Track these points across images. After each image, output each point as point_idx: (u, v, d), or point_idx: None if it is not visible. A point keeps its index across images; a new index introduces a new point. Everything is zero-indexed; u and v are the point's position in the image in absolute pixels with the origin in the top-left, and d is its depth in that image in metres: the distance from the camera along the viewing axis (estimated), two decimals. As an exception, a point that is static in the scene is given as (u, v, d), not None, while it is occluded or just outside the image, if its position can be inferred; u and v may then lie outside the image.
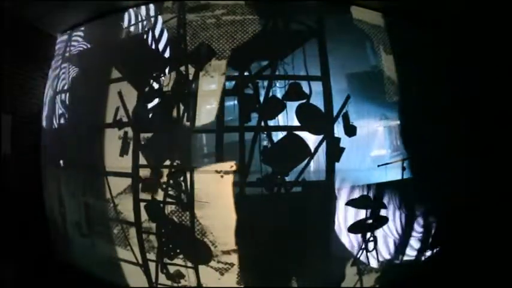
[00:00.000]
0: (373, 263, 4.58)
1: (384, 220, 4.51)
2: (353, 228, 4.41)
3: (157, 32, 4.56)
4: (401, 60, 4.72)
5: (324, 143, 4.20)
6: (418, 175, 4.64)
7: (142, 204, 4.42)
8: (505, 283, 4.40)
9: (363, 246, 4.50)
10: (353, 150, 4.27)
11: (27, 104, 5.49)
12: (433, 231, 4.95)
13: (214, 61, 4.27)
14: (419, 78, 4.78)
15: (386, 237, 4.64)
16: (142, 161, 4.41)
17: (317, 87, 4.24)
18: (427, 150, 4.70)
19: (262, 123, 4.19)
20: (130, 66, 4.67)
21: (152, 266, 4.50)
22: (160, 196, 4.35)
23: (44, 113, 5.67)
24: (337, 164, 4.19)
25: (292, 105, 4.18)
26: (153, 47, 4.58)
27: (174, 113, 4.30)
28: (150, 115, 4.44)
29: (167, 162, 4.32)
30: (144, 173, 4.40)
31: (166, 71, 4.41)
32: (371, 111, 4.57)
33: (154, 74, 4.46)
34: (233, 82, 4.34)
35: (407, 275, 4.76)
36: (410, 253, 4.88)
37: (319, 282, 4.34)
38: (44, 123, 5.67)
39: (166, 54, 4.51)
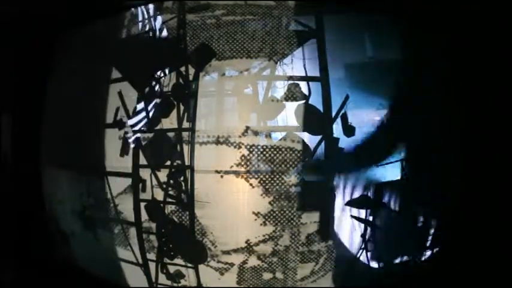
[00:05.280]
0: (373, 263, 4.59)
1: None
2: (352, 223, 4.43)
3: (157, 32, 4.56)
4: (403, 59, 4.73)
5: (323, 143, 4.19)
6: (418, 174, 4.64)
7: (142, 204, 4.43)
8: (504, 283, 4.41)
9: (363, 246, 4.51)
10: (351, 150, 4.27)
11: (27, 104, 5.50)
12: (433, 231, 4.95)
13: (214, 61, 4.27)
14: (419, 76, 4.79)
15: (386, 236, 4.65)
16: (142, 161, 4.42)
17: (316, 87, 4.22)
18: (427, 147, 4.71)
19: (262, 124, 4.20)
20: (131, 66, 4.67)
21: (152, 266, 4.51)
22: (160, 196, 4.36)
23: (44, 113, 5.68)
24: (335, 164, 4.21)
25: (291, 106, 4.18)
26: (153, 47, 4.58)
27: (174, 113, 4.31)
28: (150, 115, 4.44)
29: (167, 163, 4.33)
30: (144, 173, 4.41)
31: (166, 71, 4.41)
32: (370, 110, 4.58)
33: (154, 74, 4.46)
34: (233, 82, 4.35)
35: (407, 275, 4.77)
36: (410, 253, 4.89)
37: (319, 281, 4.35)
38: (43, 123, 5.68)
39: (167, 55, 4.51)
